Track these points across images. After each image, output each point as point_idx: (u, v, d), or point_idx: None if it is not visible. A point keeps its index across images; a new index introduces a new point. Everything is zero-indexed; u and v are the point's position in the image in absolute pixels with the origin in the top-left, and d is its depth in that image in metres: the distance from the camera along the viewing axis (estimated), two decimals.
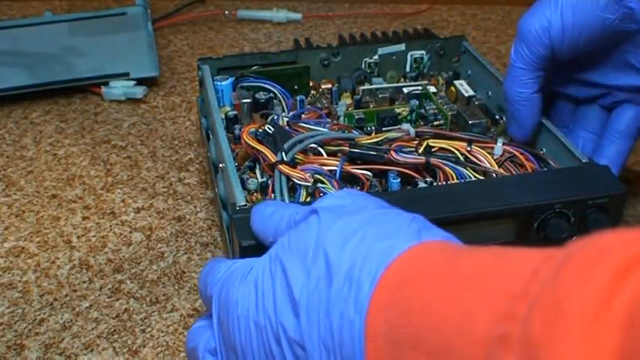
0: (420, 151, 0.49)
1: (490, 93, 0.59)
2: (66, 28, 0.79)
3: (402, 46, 0.63)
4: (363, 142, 0.49)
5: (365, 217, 0.32)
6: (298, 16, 0.84)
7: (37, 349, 0.47)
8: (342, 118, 0.56)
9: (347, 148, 0.48)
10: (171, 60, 0.78)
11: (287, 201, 0.44)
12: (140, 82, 0.72)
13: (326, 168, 0.47)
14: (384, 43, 0.64)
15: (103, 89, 0.71)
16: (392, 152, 0.48)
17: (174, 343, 0.47)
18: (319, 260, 0.31)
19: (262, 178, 0.49)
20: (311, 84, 0.61)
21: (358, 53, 0.63)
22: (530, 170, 0.48)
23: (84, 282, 0.52)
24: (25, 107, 0.72)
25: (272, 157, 0.46)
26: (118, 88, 0.71)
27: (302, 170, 0.46)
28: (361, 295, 0.28)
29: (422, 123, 0.57)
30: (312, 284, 0.30)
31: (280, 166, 0.46)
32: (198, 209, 0.58)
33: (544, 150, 0.52)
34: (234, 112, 0.55)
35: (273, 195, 0.46)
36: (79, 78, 0.72)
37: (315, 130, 0.51)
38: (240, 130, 0.53)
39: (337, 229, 0.31)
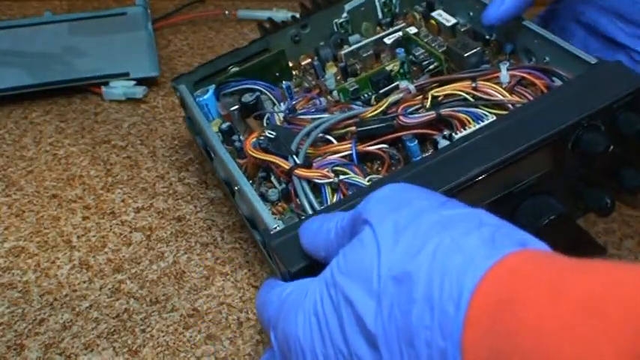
0: (428, 105, 0.46)
1: (471, 13, 0.56)
2: (66, 28, 0.79)
3: None
4: (368, 116, 0.47)
5: (426, 226, 0.29)
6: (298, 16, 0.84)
7: (37, 349, 0.47)
8: (335, 93, 0.54)
9: (354, 127, 0.46)
10: (171, 60, 0.78)
11: (314, 203, 0.43)
12: (140, 82, 0.72)
13: (340, 155, 0.46)
14: None
15: (103, 89, 0.71)
16: (400, 117, 0.46)
17: (174, 343, 0.47)
18: (388, 286, 0.28)
19: (280, 184, 0.47)
20: (290, 64, 0.58)
21: (326, 17, 0.60)
22: (542, 87, 0.46)
23: (84, 282, 0.52)
24: (25, 107, 0.72)
25: (285, 165, 0.45)
26: (118, 88, 0.71)
27: (319, 168, 0.44)
28: (446, 319, 0.25)
29: (415, 70, 0.54)
30: (386, 313, 0.28)
31: (297, 172, 0.44)
32: (198, 209, 0.58)
33: (547, 59, 0.50)
34: (227, 124, 0.53)
35: (297, 200, 0.44)
36: (79, 78, 0.72)
37: (315, 118, 0.49)
38: (240, 141, 0.51)
39: (400, 248, 0.28)
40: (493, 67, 0.49)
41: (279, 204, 0.47)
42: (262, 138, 0.47)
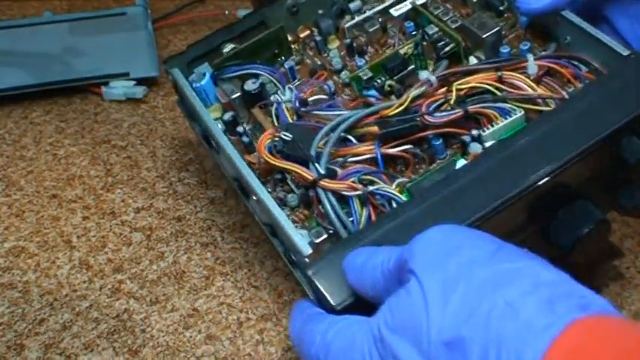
0: (452, 101, 0.44)
1: None
2: (66, 28, 0.79)
3: None
4: (390, 114, 0.44)
5: (478, 283, 0.27)
6: None
7: (37, 349, 0.47)
8: (343, 74, 0.51)
9: (376, 128, 0.44)
10: None
11: (343, 216, 0.40)
12: (140, 82, 0.72)
13: (362, 158, 0.44)
14: None
15: (103, 89, 0.71)
16: (426, 117, 0.43)
17: (174, 343, 0.47)
18: (439, 352, 0.26)
19: (299, 189, 0.45)
20: (289, 38, 0.55)
21: None
22: (569, 76, 0.44)
23: (84, 282, 0.52)
24: (25, 107, 0.72)
25: (308, 175, 0.41)
26: (118, 88, 0.71)
27: (344, 178, 0.42)
28: None
29: (427, 47, 0.50)
30: None
31: (322, 184, 0.41)
32: (198, 209, 0.58)
33: (568, 38, 0.47)
34: (231, 114, 0.50)
35: (320, 208, 0.42)
36: (79, 78, 0.72)
37: (332, 115, 0.46)
38: (246, 134, 0.49)
39: (451, 309, 0.27)
40: (516, 55, 0.47)
41: (300, 210, 0.45)
42: (277, 139, 0.44)
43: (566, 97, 0.43)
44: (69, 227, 0.56)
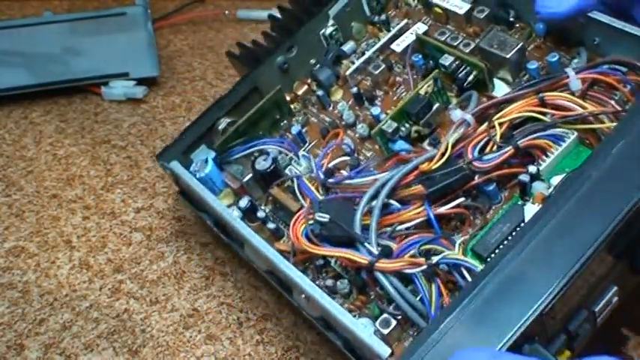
0: (498, 138, 0.39)
1: None
2: (66, 28, 0.79)
3: None
4: (433, 167, 0.40)
5: None
6: None
7: (37, 349, 0.47)
8: (362, 132, 0.47)
9: (420, 187, 0.39)
10: (171, 60, 0.78)
11: (410, 298, 0.36)
12: (140, 82, 0.72)
13: (411, 224, 0.39)
14: (320, 1, 0.51)
15: (103, 89, 0.71)
16: (474, 164, 0.39)
17: (174, 343, 0.47)
18: None
19: (346, 272, 0.40)
20: (288, 99, 0.51)
21: (310, 31, 0.51)
22: (616, 84, 0.40)
23: (84, 282, 0.52)
24: (25, 107, 0.72)
25: (361, 259, 0.37)
26: (118, 88, 0.71)
27: (401, 254, 0.38)
28: None
29: (454, 88, 0.46)
30: None
31: (380, 266, 0.36)
32: None
33: (597, 40, 0.43)
34: (248, 200, 0.45)
35: (379, 290, 0.38)
36: (79, 78, 0.72)
37: (366, 181, 0.41)
38: (270, 219, 0.45)
39: None
40: (557, 71, 0.42)
41: (354, 297, 0.40)
42: (312, 223, 0.39)
43: (619, 108, 0.39)
44: (69, 227, 0.56)
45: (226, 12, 0.84)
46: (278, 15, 0.56)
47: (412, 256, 0.37)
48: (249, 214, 0.45)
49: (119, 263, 0.53)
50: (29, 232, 0.56)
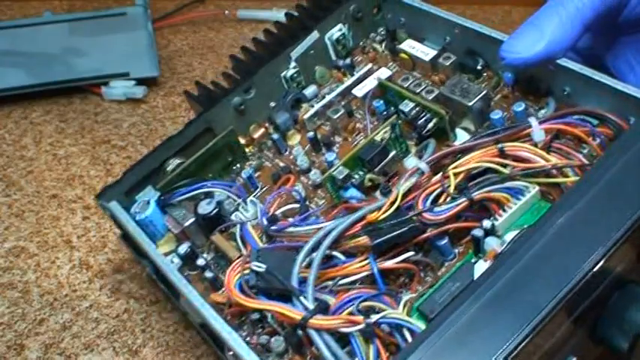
0: (452, 190, 0.37)
1: (448, 38, 0.47)
2: (66, 28, 0.79)
3: (314, 35, 0.50)
4: (380, 217, 0.37)
5: None
6: None
7: (37, 349, 0.47)
8: (316, 178, 0.44)
9: (366, 239, 0.36)
10: (171, 60, 0.78)
11: (342, 357, 0.33)
12: (140, 82, 0.72)
13: (353, 278, 0.36)
14: (285, 41, 0.49)
15: (103, 89, 0.71)
16: (424, 215, 0.36)
17: (174, 343, 0.47)
18: None
19: (282, 328, 0.36)
20: (242, 141, 0.48)
21: (271, 73, 0.49)
22: (583, 137, 0.37)
23: (84, 282, 0.52)
24: (25, 107, 0.72)
25: (293, 314, 0.34)
26: (118, 88, 0.71)
27: (339, 309, 0.34)
28: None
29: (414, 136, 0.44)
30: None
31: (313, 322, 0.33)
32: None
33: (567, 89, 0.41)
34: (187, 246, 0.42)
35: (315, 350, 0.34)
36: (79, 78, 0.72)
37: (310, 230, 0.38)
38: (210, 268, 0.41)
39: None
40: (522, 122, 0.39)
41: (289, 357, 0.37)
42: (248, 273, 0.36)
43: (585, 162, 0.37)
44: (69, 227, 0.56)
45: (226, 12, 0.84)
46: (240, 56, 0.54)
47: (351, 313, 0.34)
48: (189, 262, 0.42)
49: (119, 263, 0.53)
50: (29, 232, 0.56)
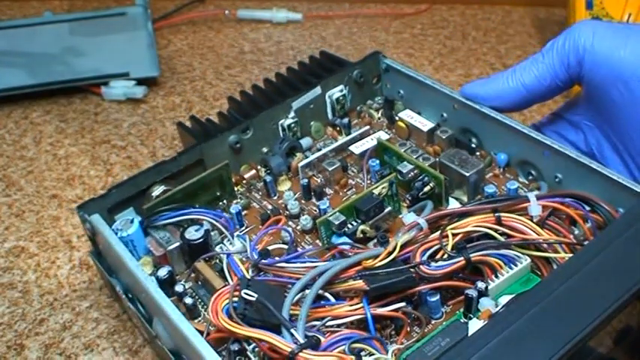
0: (449, 248, 0.38)
1: (445, 114, 0.50)
2: (66, 28, 0.79)
3: (317, 90, 0.52)
4: (377, 265, 0.37)
5: None
6: (298, 16, 0.84)
7: (37, 349, 0.47)
8: (306, 224, 0.45)
9: (361, 282, 0.37)
10: (171, 60, 0.78)
11: None
12: (140, 82, 0.72)
13: (346, 320, 0.36)
14: (287, 92, 0.51)
15: (103, 89, 0.71)
16: (422, 268, 0.37)
17: None
18: None
19: (264, 359, 0.36)
20: (233, 180, 0.48)
21: (270, 118, 0.50)
22: (577, 219, 0.39)
23: (84, 282, 0.52)
24: (25, 107, 0.72)
25: (285, 345, 0.33)
26: (118, 88, 0.71)
27: (329, 347, 0.34)
28: None
29: (407, 198, 0.45)
30: None
31: (302, 356, 0.32)
32: None
33: (560, 176, 0.44)
34: (168, 270, 0.41)
35: None
36: (79, 78, 0.72)
37: (303, 267, 0.38)
38: (190, 295, 0.41)
39: None
40: (516, 194, 0.42)
41: None
42: (236, 300, 0.35)
43: (574, 241, 0.38)
44: (69, 227, 0.56)
45: (226, 12, 0.84)
46: (238, 98, 0.56)
47: (342, 352, 0.34)
48: (165, 287, 0.40)
49: None
50: (29, 232, 0.56)
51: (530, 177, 0.46)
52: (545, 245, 0.38)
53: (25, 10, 0.89)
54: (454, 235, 0.38)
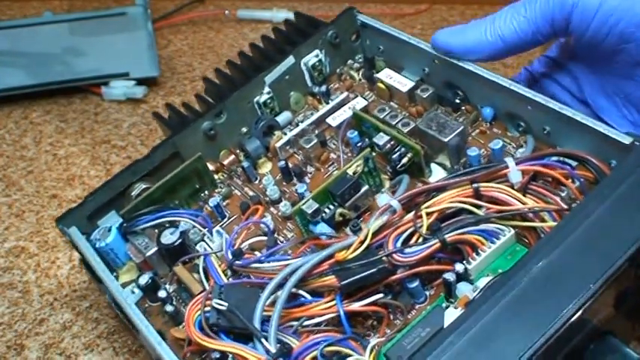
0: (424, 230, 0.35)
1: (427, 69, 0.46)
2: (66, 28, 0.79)
3: (290, 60, 0.48)
4: (349, 258, 0.35)
5: None
6: None
7: (37, 349, 0.47)
8: (285, 210, 0.42)
9: (333, 279, 0.35)
10: (171, 60, 0.78)
11: None
12: (140, 82, 0.72)
13: (321, 319, 0.35)
14: (261, 65, 0.48)
15: (103, 89, 0.71)
16: (395, 257, 0.35)
17: None
18: None
19: None
20: (211, 167, 0.46)
21: (243, 98, 0.47)
22: (562, 179, 0.36)
23: (84, 282, 0.52)
24: (25, 107, 0.72)
25: (253, 357, 0.32)
26: (118, 88, 0.71)
27: (302, 354, 0.33)
28: None
29: (388, 170, 0.42)
30: None
31: None
32: None
33: (547, 129, 0.40)
34: (149, 276, 0.40)
35: None
36: (79, 78, 0.72)
37: (276, 266, 0.36)
38: (171, 302, 0.40)
39: None
40: (498, 160, 0.38)
41: None
42: (209, 310, 0.35)
43: (564, 206, 0.35)
44: None
45: (226, 12, 0.84)
46: (215, 79, 0.52)
47: (314, 358, 0.33)
48: (150, 293, 0.40)
49: None
50: (29, 232, 0.56)
51: (520, 129, 0.42)
52: (530, 214, 0.35)
53: (25, 10, 0.89)
54: (428, 214, 0.36)
